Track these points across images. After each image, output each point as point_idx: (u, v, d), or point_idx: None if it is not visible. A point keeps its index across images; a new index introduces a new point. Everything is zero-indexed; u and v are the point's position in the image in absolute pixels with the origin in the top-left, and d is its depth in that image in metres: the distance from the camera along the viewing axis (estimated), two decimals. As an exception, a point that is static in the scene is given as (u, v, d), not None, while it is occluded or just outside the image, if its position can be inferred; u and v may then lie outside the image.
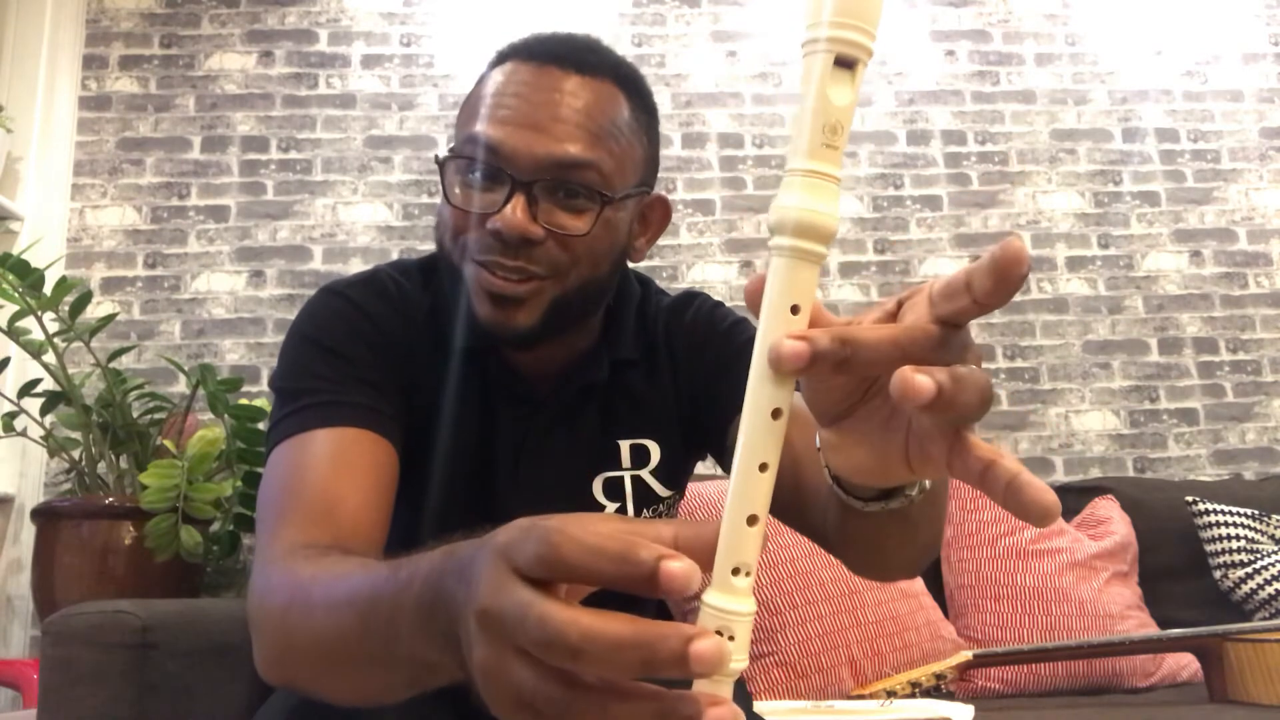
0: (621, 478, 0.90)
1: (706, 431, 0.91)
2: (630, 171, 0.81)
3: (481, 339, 0.82)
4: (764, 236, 2.39)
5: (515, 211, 0.75)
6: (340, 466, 0.74)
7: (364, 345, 0.82)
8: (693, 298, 0.96)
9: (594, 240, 0.79)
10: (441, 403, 0.85)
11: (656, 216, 0.88)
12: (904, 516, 0.56)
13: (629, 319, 0.92)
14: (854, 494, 0.55)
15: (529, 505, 0.49)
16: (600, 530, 0.36)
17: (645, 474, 0.90)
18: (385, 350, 0.83)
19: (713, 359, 0.90)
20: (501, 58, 0.82)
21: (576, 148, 0.76)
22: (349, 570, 0.57)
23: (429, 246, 2.23)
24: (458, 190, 0.79)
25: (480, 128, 0.77)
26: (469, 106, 0.82)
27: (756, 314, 0.41)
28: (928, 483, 0.54)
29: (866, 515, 0.55)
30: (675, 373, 0.92)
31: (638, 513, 0.90)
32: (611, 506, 0.89)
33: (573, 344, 0.87)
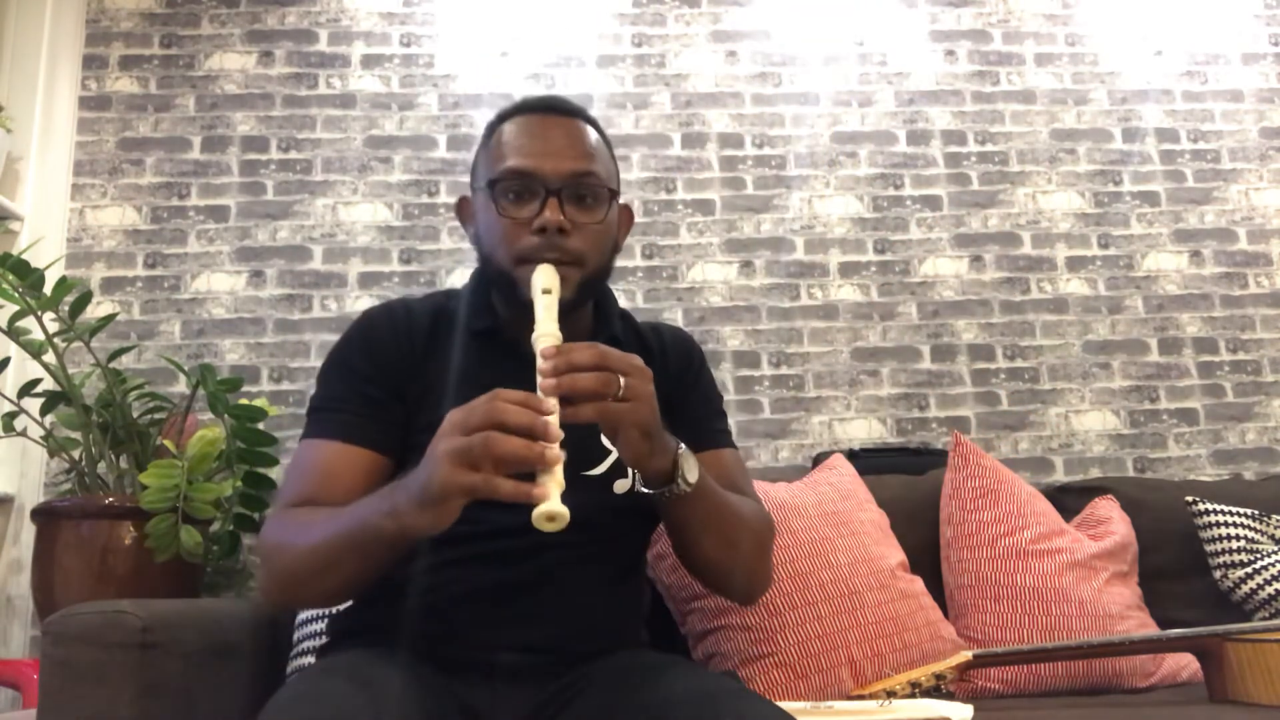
0: None
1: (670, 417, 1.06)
2: (613, 181, 1.11)
3: (494, 321, 1.11)
4: (764, 236, 2.40)
5: (551, 211, 1.03)
6: (334, 465, 1.04)
7: (367, 359, 1.09)
8: (665, 326, 1.27)
9: (604, 230, 1.07)
10: (451, 371, 1.09)
11: (625, 219, 1.18)
12: (688, 510, 0.97)
13: (614, 312, 1.19)
14: (648, 485, 0.96)
15: None
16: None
17: None
18: (383, 352, 1.09)
19: (699, 363, 1.21)
20: (503, 116, 1.11)
21: (584, 164, 1.06)
22: (332, 511, 0.94)
23: (429, 246, 2.27)
24: (504, 205, 1.05)
25: (513, 162, 1.05)
26: (490, 152, 1.09)
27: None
28: (690, 479, 0.94)
29: (659, 501, 0.96)
30: (665, 361, 1.17)
31: None
32: (615, 452, 1.10)
33: (573, 324, 1.04)
